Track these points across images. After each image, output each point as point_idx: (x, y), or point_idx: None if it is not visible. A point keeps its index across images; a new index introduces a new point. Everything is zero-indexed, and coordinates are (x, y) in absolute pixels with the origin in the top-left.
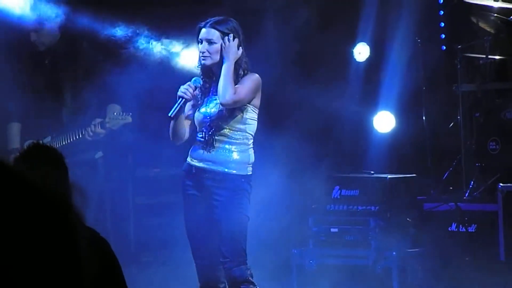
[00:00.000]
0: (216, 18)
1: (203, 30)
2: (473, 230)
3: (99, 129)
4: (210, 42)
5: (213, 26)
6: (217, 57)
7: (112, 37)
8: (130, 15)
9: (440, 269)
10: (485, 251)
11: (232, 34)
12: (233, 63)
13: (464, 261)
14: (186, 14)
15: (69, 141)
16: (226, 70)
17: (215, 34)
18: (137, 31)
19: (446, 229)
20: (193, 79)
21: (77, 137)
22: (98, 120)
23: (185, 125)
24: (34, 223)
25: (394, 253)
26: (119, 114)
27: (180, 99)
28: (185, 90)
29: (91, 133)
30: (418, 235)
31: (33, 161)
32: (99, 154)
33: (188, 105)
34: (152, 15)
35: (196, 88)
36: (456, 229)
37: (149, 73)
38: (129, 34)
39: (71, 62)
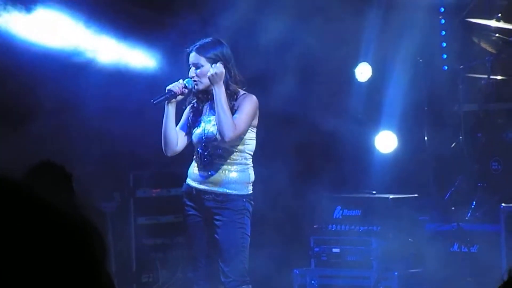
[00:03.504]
0: (202, 41)
1: (191, 55)
2: (475, 251)
3: None
4: (197, 66)
5: (198, 51)
6: (207, 81)
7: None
8: None
9: None
10: (487, 272)
11: (219, 62)
12: (223, 93)
13: (466, 282)
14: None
15: None
16: (220, 104)
17: (201, 59)
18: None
19: (448, 249)
20: (186, 79)
21: None
22: None
23: (175, 134)
24: (60, 250)
25: (395, 273)
26: None
27: (168, 91)
28: (174, 84)
29: None
30: (420, 255)
31: (42, 179)
32: None
33: (185, 118)
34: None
35: (186, 87)
36: (458, 250)
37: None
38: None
39: None
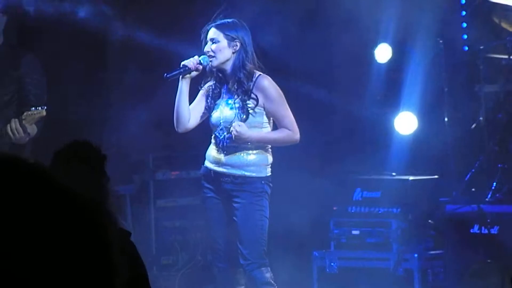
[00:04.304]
0: (224, 20)
1: (210, 30)
2: (495, 232)
3: (17, 125)
4: (213, 41)
5: (217, 27)
6: (222, 57)
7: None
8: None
9: (462, 271)
10: (508, 253)
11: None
12: (261, 136)
13: (486, 263)
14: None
15: None
16: (271, 142)
17: (220, 34)
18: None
19: (468, 231)
20: (202, 56)
21: None
22: (15, 119)
23: (187, 110)
24: (61, 228)
25: (415, 255)
26: (35, 109)
27: (183, 66)
28: (189, 60)
29: (9, 131)
30: (440, 237)
31: (71, 159)
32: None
33: (200, 98)
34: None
35: (201, 63)
36: (479, 231)
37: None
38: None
39: (9, 70)
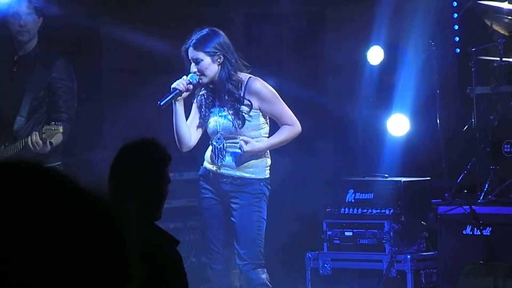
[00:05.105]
0: (198, 35)
1: (189, 50)
2: (488, 233)
3: (37, 139)
4: (197, 62)
5: (195, 46)
6: (210, 73)
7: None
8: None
9: (455, 273)
10: (501, 254)
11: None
12: (268, 144)
13: (479, 265)
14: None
15: (14, 151)
16: (278, 144)
17: (199, 53)
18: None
19: (460, 232)
20: (190, 75)
21: (20, 147)
22: (35, 132)
23: (187, 130)
24: (72, 236)
25: (408, 256)
26: (54, 124)
27: (173, 90)
28: (179, 82)
29: (29, 143)
30: (433, 238)
31: (136, 156)
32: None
33: (195, 111)
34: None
35: (190, 83)
36: (471, 232)
37: None
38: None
39: (41, 73)
